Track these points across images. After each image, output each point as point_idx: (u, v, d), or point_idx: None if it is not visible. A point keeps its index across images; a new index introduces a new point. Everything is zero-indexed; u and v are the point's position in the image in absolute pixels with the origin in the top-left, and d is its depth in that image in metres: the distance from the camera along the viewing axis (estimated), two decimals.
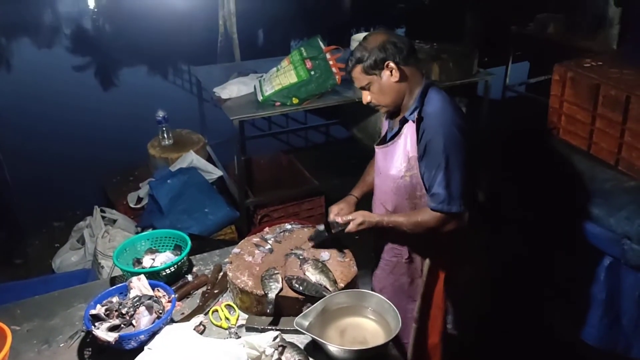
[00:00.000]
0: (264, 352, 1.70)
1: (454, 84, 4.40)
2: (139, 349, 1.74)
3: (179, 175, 3.80)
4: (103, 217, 3.76)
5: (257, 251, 2.19)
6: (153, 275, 2.07)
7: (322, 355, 1.76)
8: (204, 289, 2.15)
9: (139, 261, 2.25)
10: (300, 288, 1.94)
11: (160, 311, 1.85)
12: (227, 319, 1.97)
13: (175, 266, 2.16)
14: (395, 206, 2.22)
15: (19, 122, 6.72)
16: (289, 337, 1.81)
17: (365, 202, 2.43)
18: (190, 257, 2.33)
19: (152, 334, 1.76)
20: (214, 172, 4.05)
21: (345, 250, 2.20)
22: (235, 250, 2.22)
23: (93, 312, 1.83)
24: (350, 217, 2.16)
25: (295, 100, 3.67)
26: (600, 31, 5.30)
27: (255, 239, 2.29)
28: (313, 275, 1.99)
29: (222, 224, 3.71)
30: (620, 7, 5.01)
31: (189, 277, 2.20)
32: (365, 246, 2.50)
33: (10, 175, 4.25)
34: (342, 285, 1.99)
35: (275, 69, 3.78)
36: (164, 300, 1.90)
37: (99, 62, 10.07)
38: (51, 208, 4.69)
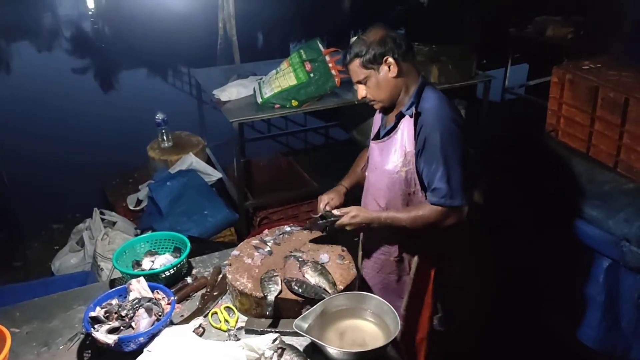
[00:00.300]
0: (263, 354, 1.70)
1: (453, 86, 4.41)
2: (139, 351, 1.74)
3: (179, 177, 3.80)
4: (102, 220, 3.76)
5: (256, 253, 2.19)
6: (152, 278, 2.07)
7: (322, 357, 1.76)
8: (204, 291, 2.15)
9: (138, 263, 2.25)
10: (300, 290, 1.94)
11: (160, 313, 1.85)
12: (226, 321, 1.96)
13: (175, 268, 2.16)
14: (388, 201, 2.23)
15: (19, 124, 6.73)
16: (288, 340, 1.81)
17: (353, 197, 2.45)
18: (190, 260, 2.33)
19: (151, 336, 1.76)
20: (213, 175, 4.05)
21: (345, 253, 2.20)
22: (235, 252, 2.22)
23: (92, 314, 1.82)
24: (345, 210, 2.17)
25: (294, 103, 3.67)
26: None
27: (254, 241, 2.29)
28: (312, 278, 1.99)
29: (221, 226, 3.71)
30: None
31: (189, 280, 2.20)
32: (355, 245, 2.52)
33: (9, 178, 4.25)
34: (341, 287, 1.99)
35: (274, 71, 3.78)
36: (163, 303, 1.90)
37: (98, 65, 10.07)
38: (50, 210, 4.70)
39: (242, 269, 2.10)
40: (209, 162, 4.29)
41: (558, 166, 3.24)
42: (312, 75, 3.66)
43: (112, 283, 2.27)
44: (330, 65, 3.70)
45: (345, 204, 2.32)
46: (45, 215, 4.61)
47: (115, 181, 4.54)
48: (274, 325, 1.92)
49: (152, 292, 1.94)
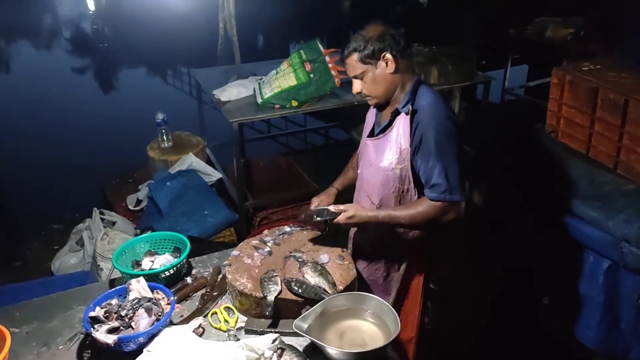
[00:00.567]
0: (263, 354, 1.71)
1: (453, 87, 4.41)
2: (138, 351, 1.74)
3: (179, 177, 3.80)
4: (102, 220, 3.76)
5: (256, 253, 2.19)
6: (152, 278, 2.07)
7: (321, 357, 1.76)
8: (203, 291, 2.15)
9: (138, 263, 2.25)
10: (300, 290, 1.94)
11: (160, 313, 1.85)
12: (226, 321, 1.97)
13: (175, 268, 2.16)
14: (381, 198, 2.24)
15: (18, 124, 6.73)
16: (288, 340, 1.82)
17: (345, 199, 2.43)
18: (190, 260, 2.34)
19: (151, 336, 1.77)
20: (213, 175, 4.06)
21: (345, 254, 2.20)
22: (235, 252, 2.22)
23: (92, 314, 1.83)
24: (342, 208, 2.17)
25: (294, 103, 3.67)
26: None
27: (254, 241, 2.29)
28: (312, 278, 1.99)
29: (221, 226, 3.71)
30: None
31: (188, 280, 2.20)
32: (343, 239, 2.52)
33: (9, 178, 4.24)
34: (341, 287, 1.99)
35: (274, 71, 3.78)
36: (163, 303, 1.91)
37: (98, 65, 10.08)
38: (50, 210, 4.70)
39: (242, 269, 2.10)
40: (208, 162, 4.29)
41: (558, 167, 3.24)
42: (312, 75, 3.66)
43: (112, 283, 2.27)
44: (330, 65, 3.70)
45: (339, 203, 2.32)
46: (45, 215, 4.61)
47: (115, 181, 4.54)
48: (273, 325, 1.92)
49: (152, 292, 1.94)
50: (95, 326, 1.79)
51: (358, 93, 2.19)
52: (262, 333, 1.87)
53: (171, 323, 1.91)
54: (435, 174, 2.06)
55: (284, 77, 3.68)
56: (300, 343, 1.83)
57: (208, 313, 2.01)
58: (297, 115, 5.01)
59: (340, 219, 2.14)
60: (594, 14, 5.79)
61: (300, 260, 2.12)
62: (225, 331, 1.92)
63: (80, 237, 3.75)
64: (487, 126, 4.48)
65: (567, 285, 3.09)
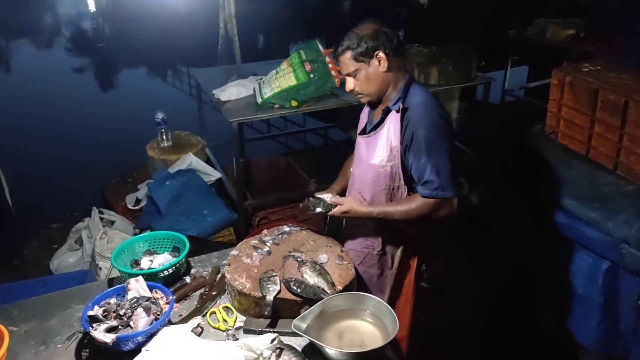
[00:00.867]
0: (261, 354, 1.70)
1: (453, 88, 4.41)
2: (137, 350, 1.74)
3: (178, 177, 3.80)
4: (101, 219, 3.76)
5: (255, 253, 2.19)
6: (151, 277, 2.07)
7: (320, 357, 1.76)
8: (202, 290, 2.15)
9: (137, 263, 2.25)
10: (298, 290, 1.94)
11: (158, 313, 1.85)
12: (224, 321, 1.96)
13: (174, 268, 2.16)
14: (373, 195, 2.26)
15: (18, 123, 6.72)
16: (286, 340, 1.81)
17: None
18: (189, 259, 2.33)
19: (149, 336, 1.76)
20: (212, 174, 4.05)
21: (344, 254, 2.20)
22: (234, 252, 2.22)
23: (91, 313, 1.83)
24: (339, 201, 2.19)
25: (294, 103, 3.67)
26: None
27: (253, 241, 2.29)
28: (311, 278, 1.99)
29: (220, 226, 3.71)
30: None
31: (187, 279, 2.19)
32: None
33: (8, 177, 4.24)
34: (340, 287, 1.99)
35: (274, 71, 3.78)
36: (161, 302, 1.90)
37: (98, 64, 10.08)
38: (49, 209, 4.70)
39: (241, 268, 2.10)
40: (208, 162, 4.29)
41: (557, 168, 3.24)
42: (311, 75, 3.65)
43: (111, 282, 2.26)
44: (330, 66, 3.70)
45: None
46: (44, 215, 4.61)
47: (115, 180, 4.53)
48: (272, 325, 1.91)
49: (151, 291, 1.94)
50: (94, 325, 1.79)
51: (351, 91, 2.21)
52: (260, 333, 1.87)
53: (170, 322, 1.90)
54: (427, 171, 2.08)
55: (283, 77, 3.68)
56: (299, 343, 1.83)
57: (207, 312, 2.01)
58: (297, 115, 5.00)
59: (335, 212, 2.18)
60: (594, 15, 5.79)
61: (299, 260, 2.12)
62: (223, 331, 1.92)
63: (79, 237, 3.75)
64: (487, 127, 4.48)
65: (567, 286, 3.09)
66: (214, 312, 2.01)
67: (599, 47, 4.96)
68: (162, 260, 2.22)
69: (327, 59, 3.70)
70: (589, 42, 5.40)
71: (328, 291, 1.94)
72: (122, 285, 1.97)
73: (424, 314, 2.46)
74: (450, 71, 4.13)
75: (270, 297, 1.91)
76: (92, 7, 13.63)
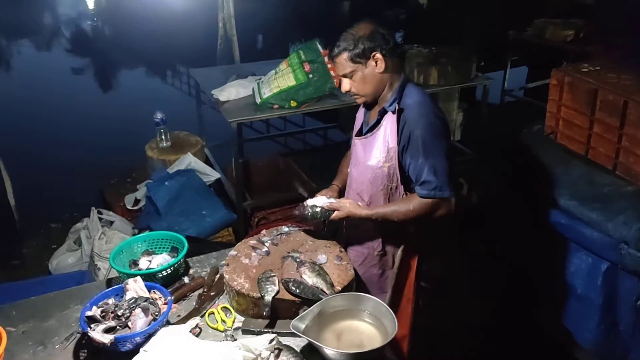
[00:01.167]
0: (260, 354, 1.70)
1: (452, 88, 4.41)
2: (135, 351, 1.73)
3: (177, 177, 3.80)
4: (100, 219, 3.75)
5: (253, 253, 2.19)
6: (149, 277, 2.07)
7: (319, 358, 1.76)
8: (201, 291, 2.14)
9: (135, 263, 2.24)
10: (297, 291, 1.93)
11: (156, 313, 1.84)
12: (223, 321, 1.96)
13: (172, 268, 2.15)
14: (371, 196, 2.26)
15: (17, 123, 6.72)
16: (285, 340, 1.81)
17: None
18: (187, 259, 2.33)
19: (147, 336, 1.76)
20: (211, 175, 4.05)
21: (343, 254, 2.20)
22: (232, 252, 2.22)
23: (89, 313, 1.82)
24: (336, 205, 2.18)
25: (293, 103, 3.67)
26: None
27: (252, 241, 2.29)
28: (310, 278, 1.99)
29: (219, 226, 3.70)
30: None
31: (186, 279, 2.19)
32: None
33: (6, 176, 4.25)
34: (339, 288, 1.99)
35: (273, 71, 3.77)
36: (160, 302, 1.90)
37: (97, 64, 10.07)
38: (48, 209, 4.69)
39: (240, 269, 2.10)
40: (207, 162, 4.28)
41: (557, 169, 3.23)
42: (311, 76, 3.65)
43: (109, 282, 2.26)
44: (329, 66, 3.69)
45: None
46: (43, 214, 4.60)
47: (113, 180, 4.53)
48: (271, 325, 1.91)
49: (149, 291, 1.93)
50: (92, 326, 1.79)
51: (347, 91, 2.21)
52: (259, 333, 1.87)
53: (168, 323, 1.90)
54: (424, 171, 2.09)
55: (283, 78, 3.68)
56: (298, 343, 1.82)
57: (205, 313, 2.01)
58: (296, 115, 5.00)
59: (334, 218, 2.19)
60: (593, 16, 5.79)
61: (298, 260, 2.12)
62: (222, 331, 1.91)
63: (78, 237, 3.75)
64: (487, 127, 4.48)
65: (566, 286, 3.09)
66: (213, 313, 2.01)
67: (599, 48, 4.96)
68: (160, 261, 2.22)
69: (327, 60, 3.70)
70: (588, 43, 5.41)
71: (327, 292, 1.93)
72: (120, 285, 1.97)
73: (425, 313, 2.46)
74: (450, 71, 4.13)
75: (268, 298, 1.91)
76: (91, 7, 13.63)
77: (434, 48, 4.38)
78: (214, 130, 4.78)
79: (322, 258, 2.14)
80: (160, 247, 2.34)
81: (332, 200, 2.24)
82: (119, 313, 1.83)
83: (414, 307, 2.40)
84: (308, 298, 1.91)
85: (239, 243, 2.30)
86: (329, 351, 1.71)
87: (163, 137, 4.26)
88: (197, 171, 3.97)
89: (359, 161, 2.29)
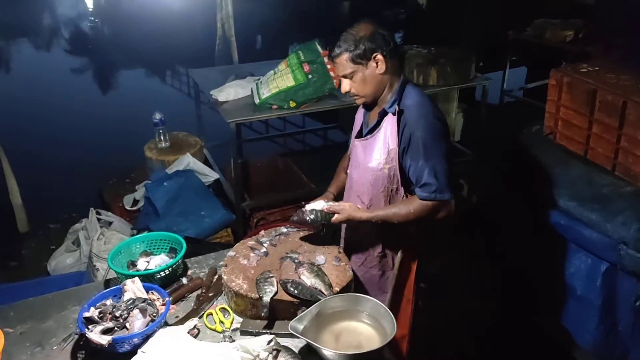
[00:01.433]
0: (258, 355, 1.69)
1: (451, 88, 4.41)
2: (133, 352, 1.73)
3: (176, 177, 3.79)
4: (99, 220, 3.75)
5: (252, 254, 2.18)
6: (147, 278, 2.06)
7: (317, 359, 1.75)
8: (199, 292, 2.14)
9: (133, 264, 2.24)
10: (295, 292, 1.93)
11: (154, 314, 1.84)
12: (221, 322, 1.95)
13: (170, 269, 2.15)
14: (371, 198, 2.26)
15: (16, 124, 6.70)
16: (283, 341, 1.81)
17: (341, 198, 2.46)
18: (185, 260, 2.32)
19: (145, 337, 1.76)
20: (210, 175, 4.04)
21: (341, 255, 2.20)
22: (231, 253, 2.21)
23: (87, 314, 1.81)
24: (336, 208, 2.17)
25: (292, 104, 3.66)
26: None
27: (250, 242, 2.29)
28: (308, 279, 1.98)
29: (218, 226, 3.70)
30: None
31: (184, 280, 2.19)
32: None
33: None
34: (337, 289, 1.98)
35: (272, 72, 3.77)
36: (158, 303, 1.89)
37: (96, 64, 10.06)
38: (47, 210, 4.68)
39: (238, 270, 2.09)
40: (206, 162, 4.28)
41: (555, 169, 3.23)
42: (310, 76, 3.64)
43: (107, 283, 2.26)
44: (328, 67, 3.69)
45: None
46: (42, 215, 4.60)
47: (112, 181, 4.52)
48: (269, 326, 1.91)
49: (147, 292, 1.93)
50: (90, 327, 1.78)
51: (346, 92, 2.20)
52: (257, 334, 1.86)
53: (166, 324, 1.90)
54: (425, 173, 2.08)
55: (281, 78, 3.67)
56: (296, 344, 1.82)
57: (203, 314, 2.00)
58: (296, 116, 4.99)
59: (334, 221, 2.17)
60: (593, 16, 5.79)
61: (296, 261, 2.11)
62: (220, 332, 1.91)
63: (77, 237, 3.74)
64: (486, 128, 4.48)
65: (565, 287, 3.09)
66: (211, 314, 2.00)
67: (598, 48, 4.96)
68: (158, 262, 2.21)
69: (326, 60, 3.69)
70: (587, 43, 5.41)
71: (325, 292, 1.93)
72: (118, 286, 1.96)
73: (424, 314, 2.46)
74: (449, 72, 4.13)
75: (267, 299, 1.90)
76: (90, 7, 13.62)
77: (433, 48, 4.37)
78: (212, 130, 4.78)
79: (320, 259, 2.14)
80: (158, 248, 2.33)
81: (332, 203, 2.23)
82: (117, 314, 1.82)
83: (414, 308, 2.39)
84: (306, 299, 1.91)
85: (238, 244, 2.30)
86: (327, 352, 1.70)
87: (162, 137, 4.26)
88: (196, 172, 3.97)
89: (359, 163, 2.28)
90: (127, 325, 1.80)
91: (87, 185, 4.74)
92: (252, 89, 3.82)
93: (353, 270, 2.15)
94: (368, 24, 2.10)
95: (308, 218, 2.18)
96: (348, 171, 2.40)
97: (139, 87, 8.97)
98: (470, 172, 4.31)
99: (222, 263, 2.19)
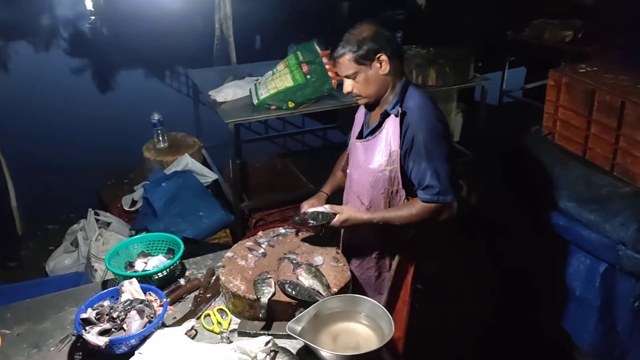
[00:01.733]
0: (255, 357, 1.69)
1: (450, 89, 4.41)
2: (130, 353, 1.73)
3: (174, 178, 3.79)
4: (97, 220, 3.74)
5: (250, 255, 2.18)
6: (145, 279, 2.06)
7: None
8: (197, 293, 2.13)
9: (131, 264, 2.24)
10: (293, 292, 1.93)
11: (152, 315, 1.83)
12: (219, 323, 1.95)
13: (168, 270, 2.14)
14: (371, 199, 2.24)
15: (15, 124, 6.70)
16: (281, 342, 1.80)
17: (335, 198, 2.46)
18: (183, 261, 2.32)
19: (143, 339, 1.75)
20: (209, 176, 4.04)
21: (339, 256, 2.19)
22: (229, 254, 2.21)
23: (84, 315, 1.81)
24: (337, 210, 2.17)
25: (291, 104, 3.66)
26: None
27: (248, 243, 2.28)
28: (306, 280, 1.98)
29: (216, 227, 3.69)
30: None
31: (182, 281, 2.18)
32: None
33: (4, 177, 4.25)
34: (335, 290, 1.98)
35: (270, 72, 3.77)
36: (155, 304, 1.89)
37: (95, 65, 10.06)
38: (46, 211, 4.68)
39: (236, 271, 2.09)
40: (204, 163, 4.27)
41: (554, 170, 3.23)
42: (309, 77, 3.64)
43: (105, 284, 2.25)
44: (327, 67, 3.69)
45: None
46: (41, 216, 4.59)
47: (110, 182, 4.52)
48: (267, 327, 1.90)
49: (145, 293, 1.92)
50: (87, 328, 1.78)
51: (348, 93, 2.18)
52: (255, 335, 1.86)
53: (163, 325, 1.89)
54: (427, 176, 2.08)
55: (280, 78, 3.67)
56: (294, 345, 1.82)
57: (201, 315, 2.00)
58: (295, 116, 4.99)
59: (335, 222, 2.16)
60: (592, 16, 5.80)
61: (294, 262, 2.11)
62: (218, 333, 1.91)
63: (75, 238, 3.74)
64: (485, 128, 4.48)
65: (564, 288, 3.09)
66: (208, 315, 2.00)
67: (597, 48, 4.97)
68: (156, 262, 2.21)
69: (325, 60, 3.69)
70: (586, 43, 5.41)
71: (323, 293, 1.93)
72: (115, 287, 1.96)
73: (421, 315, 2.45)
74: (448, 72, 4.13)
75: (264, 300, 1.90)
76: (89, 8, 13.62)
77: (432, 49, 4.37)
78: (211, 131, 4.77)
79: (318, 260, 2.13)
80: (156, 249, 2.33)
81: (333, 206, 2.22)
82: (114, 315, 1.82)
83: (410, 310, 2.39)
84: (304, 300, 1.91)
85: (235, 245, 2.29)
86: (325, 353, 1.70)
87: (160, 138, 4.25)
88: (194, 172, 3.96)
89: (359, 164, 2.27)
90: (125, 326, 1.80)
91: (85, 186, 4.73)
92: (250, 90, 3.82)
93: (351, 271, 2.15)
94: (370, 25, 2.09)
95: (309, 219, 2.18)
96: (348, 171, 2.39)
97: (137, 87, 8.96)
98: (470, 173, 4.31)
99: (220, 264, 2.18)
